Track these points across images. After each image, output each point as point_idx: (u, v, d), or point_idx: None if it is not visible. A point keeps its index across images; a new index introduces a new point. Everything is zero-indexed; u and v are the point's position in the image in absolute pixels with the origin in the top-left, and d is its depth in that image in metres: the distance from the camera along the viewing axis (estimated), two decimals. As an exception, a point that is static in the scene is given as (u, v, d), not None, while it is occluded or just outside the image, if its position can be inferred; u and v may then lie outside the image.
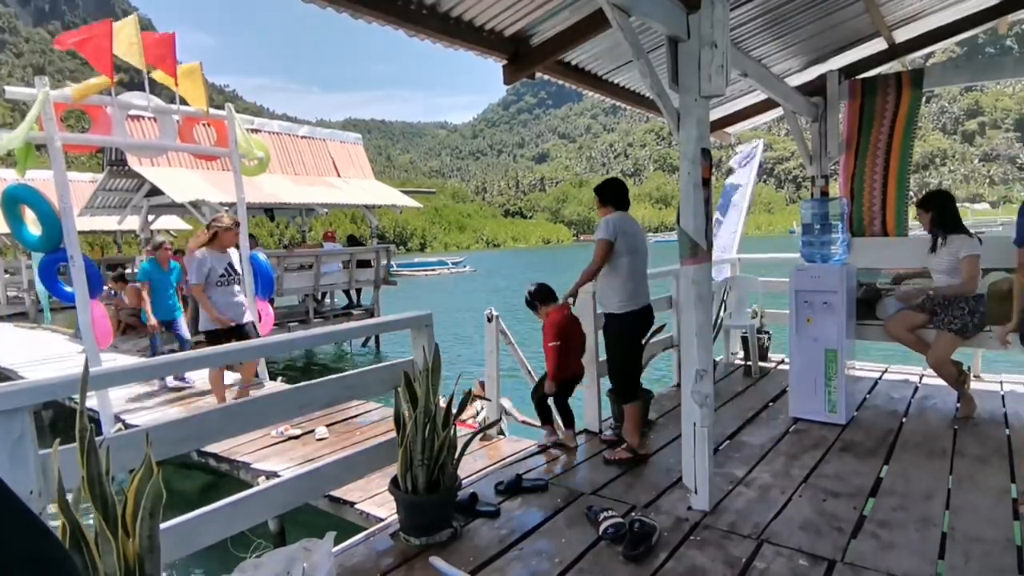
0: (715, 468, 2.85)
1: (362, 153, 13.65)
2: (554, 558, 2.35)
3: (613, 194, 3.48)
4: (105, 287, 7.80)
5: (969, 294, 3.70)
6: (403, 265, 33.23)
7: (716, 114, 5.55)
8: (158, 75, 5.28)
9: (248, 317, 5.15)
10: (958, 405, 3.93)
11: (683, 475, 2.83)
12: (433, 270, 34.48)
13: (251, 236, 12.00)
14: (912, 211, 4.84)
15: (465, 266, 37.08)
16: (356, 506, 3.38)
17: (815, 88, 4.98)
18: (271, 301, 8.97)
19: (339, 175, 12.48)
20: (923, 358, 3.95)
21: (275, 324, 7.74)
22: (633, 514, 2.62)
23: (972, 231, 3.80)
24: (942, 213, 3.82)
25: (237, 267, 5.13)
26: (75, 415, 1.60)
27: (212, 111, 5.93)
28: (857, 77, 4.96)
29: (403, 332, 2.91)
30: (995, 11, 4.36)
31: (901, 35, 4.82)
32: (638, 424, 3.42)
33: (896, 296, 4.11)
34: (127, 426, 4.87)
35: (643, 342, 3.53)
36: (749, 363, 5.19)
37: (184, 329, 6.47)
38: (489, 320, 4.05)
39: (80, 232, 5.36)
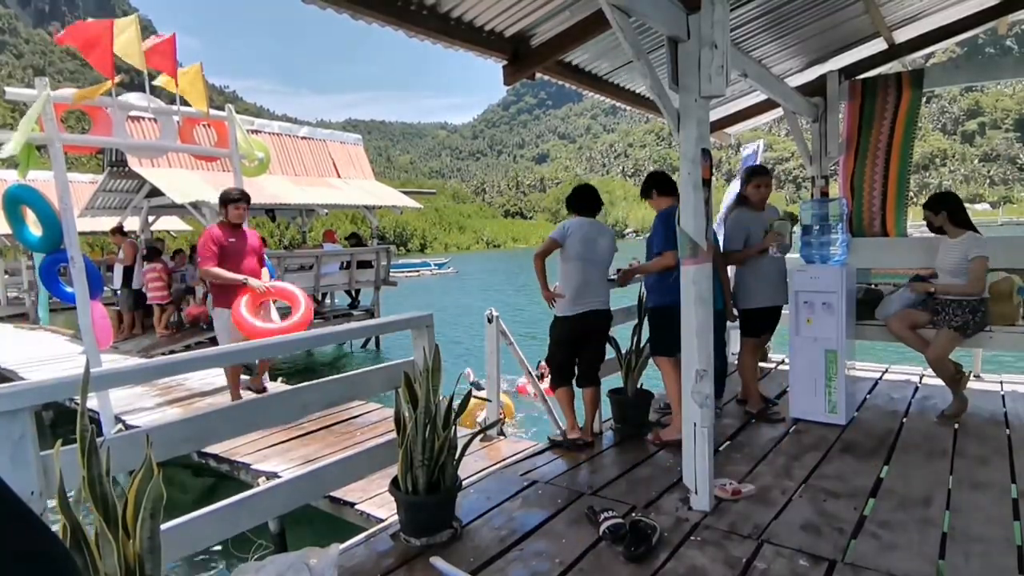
0: (715, 468, 2.85)
1: (362, 154, 13.64)
2: (554, 558, 2.35)
3: (577, 204, 3.67)
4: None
5: (974, 295, 3.69)
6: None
7: (716, 115, 5.55)
8: (162, 80, 5.29)
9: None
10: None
11: (683, 475, 2.83)
12: (416, 271, 34.33)
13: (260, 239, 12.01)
14: (912, 212, 4.85)
15: (449, 268, 37.16)
16: (356, 507, 3.38)
17: (815, 88, 4.98)
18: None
19: (339, 176, 12.48)
20: (923, 357, 3.95)
21: (275, 325, 7.73)
22: (633, 514, 2.62)
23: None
24: (955, 211, 3.82)
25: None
26: (76, 416, 1.61)
27: (212, 112, 5.93)
28: (857, 78, 4.96)
29: (403, 333, 2.91)
30: (995, 11, 4.36)
31: (901, 35, 4.83)
32: (566, 407, 3.67)
33: (911, 289, 4.05)
34: (128, 427, 4.87)
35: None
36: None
37: None
38: (489, 321, 4.05)
39: (80, 233, 5.36)
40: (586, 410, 3.71)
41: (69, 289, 5.36)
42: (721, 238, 4.07)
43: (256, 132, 10.40)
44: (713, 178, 2.89)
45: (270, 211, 12.30)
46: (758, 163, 6.34)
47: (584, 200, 3.66)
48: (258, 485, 3.14)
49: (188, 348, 8.57)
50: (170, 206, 10.03)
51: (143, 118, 7.96)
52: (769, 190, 3.96)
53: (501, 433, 4.30)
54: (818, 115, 4.91)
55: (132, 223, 11.39)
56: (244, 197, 4.83)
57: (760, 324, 4.07)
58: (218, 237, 4.68)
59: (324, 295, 12.01)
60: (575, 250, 3.48)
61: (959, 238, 3.77)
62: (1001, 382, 4.68)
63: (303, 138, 12.18)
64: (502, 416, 4.25)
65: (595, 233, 3.56)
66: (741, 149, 7.15)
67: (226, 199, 4.80)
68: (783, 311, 4.14)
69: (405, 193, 13.66)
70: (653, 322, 3.74)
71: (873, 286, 4.49)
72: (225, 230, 4.75)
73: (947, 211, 3.83)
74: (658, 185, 3.74)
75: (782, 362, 5.46)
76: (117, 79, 4.96)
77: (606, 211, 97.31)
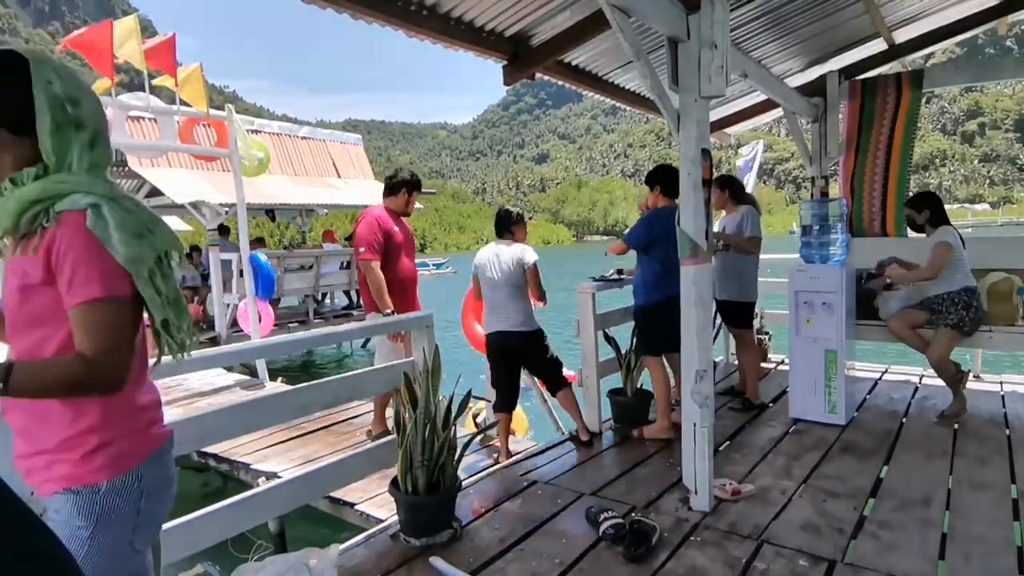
0: (715, 468, 2.85)
1: (362, 154, 13.63)
2: (554, 558, 2.35)
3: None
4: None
5: (928, 278, 3.76)
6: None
7: (716, 115, 5.55)
8: (167, 81, 5.30)
9: None
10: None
11: (683, 475, 2.83)
12: None
13: (259, 239, 12.00)
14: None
15: (447, 267, 37.28)
16: (356, 507, 3.38)
17: (815, 89, 4.99)
18: (275, 302, 9.00)
19: (339, 176, 12.47)
20: (923, 358, 3.96)
21: (275, 325, 7.75)
22: (633, 514, 2.62)
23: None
24: (937, 211, 3.88)
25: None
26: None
27: (212, 112, 5.94)
28: (857, 78, 4.96)
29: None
30: (995, 11, 4.36)
31: (901, 36, 4.83)
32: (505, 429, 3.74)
33: (880, 271, 4.13)
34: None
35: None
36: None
37: None
38: None
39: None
40: (570, 414, 3.76)
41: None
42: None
43: (256, 132, 10.40)
44: (713, 178, 2.89)
45: (270, 211, 12.30)
46: (750, 165, 6.38)
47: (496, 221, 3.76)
48: (258, 485, 3.14)
49: (188, 348, 8.55)
50: (170, 206, 10.03)
51: (143, 118, 7.95)
52: (716, 196, 4.16)
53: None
54: (818, 115, 4.91)
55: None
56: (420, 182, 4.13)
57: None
58: (387, 224, 3.81)
59: (324, 295, 12.02)
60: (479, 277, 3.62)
61: (933, 235, 3.82)
62: (1001, 382, 4.68)
63: (303, 138, 12.17)
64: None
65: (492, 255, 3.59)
66: (741, 152, 7.18)
67: (409, 184, 3.94)
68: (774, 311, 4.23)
69: (405, 193, 13.64)
70: (638, 322, 3.80)
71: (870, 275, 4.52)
72: (392, 217, 3.89)
73: (930, 210, 3.88)
74: (665, 183, 3.69)
75: (782, 362, 5.46)
76: (116, 79, 4.96)
77: (606, 211, 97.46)
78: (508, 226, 3.61)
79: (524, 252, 3.52)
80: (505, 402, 3.67)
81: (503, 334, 3.54)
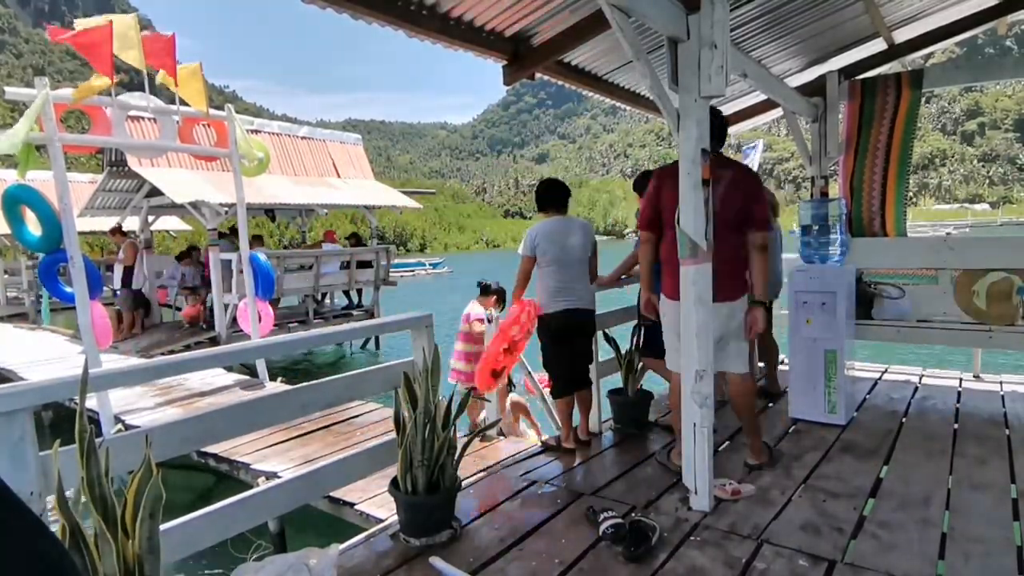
0: (715, 468, 2.84)
1: (362, 154, 13.63)
2: (554, 558, 2.35)
3: (548, 198, 3.56)
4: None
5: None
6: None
7: (716, 114, 5.54)
8: (160, 76, 5.29)
9: None
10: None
11: (683, 475, 2.83)
12: (411, 271, 34.42)
13: (257, 237, 12.03)
14: (912, 212, 4.87)
15: (444, 267, 37.49)
16: (356, 507, 3.38)
17: (815, 89, 4.98)
18: (275, 302, 9.00)
19: (339, 176, 12.47)
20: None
21: (275, 325, 7.75)
22: (633, 514, 2.62)
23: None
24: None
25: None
26: (75, 416, 1.60)
27: (212, 112, 5.93)
28: (857, 78, 4.96)
29: (403, 333, 2.91)
30: (995, 11, 4.36)
31: (901, 35, 4.83)
32: (564, 418, 3.62)
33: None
34: (127, 427, 4.87)
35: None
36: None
37: None
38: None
39: (80, 233, 5.36)
40: (580, 411, 3.66)
41: (68, 289, 5.37)
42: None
43: (256, 132, 10.41)
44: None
45: (270, 211, 12.30)
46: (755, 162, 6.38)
47: (553, 193, 3.56)
48: (257, 485, 3.14)
49: (188, 348, 8.57)
50: (170, 206, 10.03)
51: (143, 118, 7.96)
52: None
53: (501, 433, 4.30)
54: (818, 115, 4.90)
55: (132, 223, 11.38)
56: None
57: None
58: None
59: (324, 295, 12.02)
60: (546, 256, 3.41)
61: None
62: (1001, 382, 4.67)
63: (303, 138, 12.18)
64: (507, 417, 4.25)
65: (563, 233, 3.43)
66: (742, 150, 7.19)
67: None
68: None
69: (405, 193, 13.65)
70: (644, 324, 3.74)
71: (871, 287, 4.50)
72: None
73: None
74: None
75: (782, 362, 5.45)
76: (117, 79, 4.96)
77: (606, 211, 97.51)
78: (567, 198, 3.56)
79: (590, 227, 3.52)
80: (569, 385, 3.53)
81: (574, 312, 3.42)
